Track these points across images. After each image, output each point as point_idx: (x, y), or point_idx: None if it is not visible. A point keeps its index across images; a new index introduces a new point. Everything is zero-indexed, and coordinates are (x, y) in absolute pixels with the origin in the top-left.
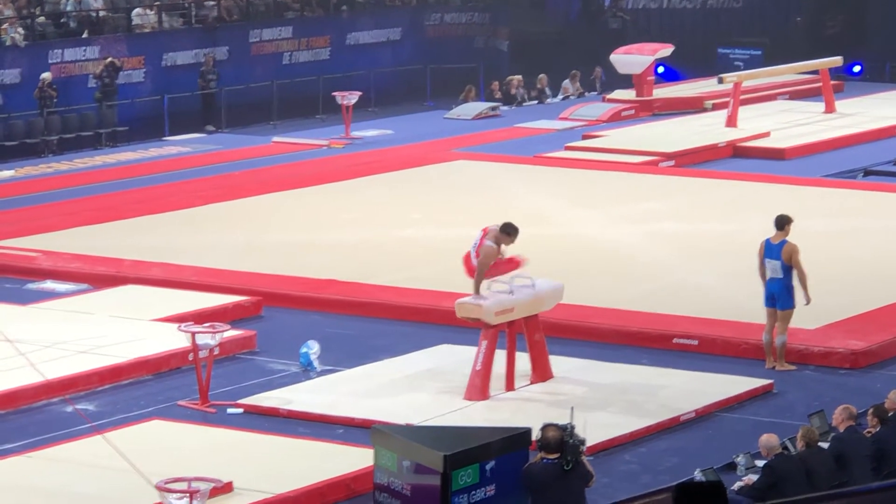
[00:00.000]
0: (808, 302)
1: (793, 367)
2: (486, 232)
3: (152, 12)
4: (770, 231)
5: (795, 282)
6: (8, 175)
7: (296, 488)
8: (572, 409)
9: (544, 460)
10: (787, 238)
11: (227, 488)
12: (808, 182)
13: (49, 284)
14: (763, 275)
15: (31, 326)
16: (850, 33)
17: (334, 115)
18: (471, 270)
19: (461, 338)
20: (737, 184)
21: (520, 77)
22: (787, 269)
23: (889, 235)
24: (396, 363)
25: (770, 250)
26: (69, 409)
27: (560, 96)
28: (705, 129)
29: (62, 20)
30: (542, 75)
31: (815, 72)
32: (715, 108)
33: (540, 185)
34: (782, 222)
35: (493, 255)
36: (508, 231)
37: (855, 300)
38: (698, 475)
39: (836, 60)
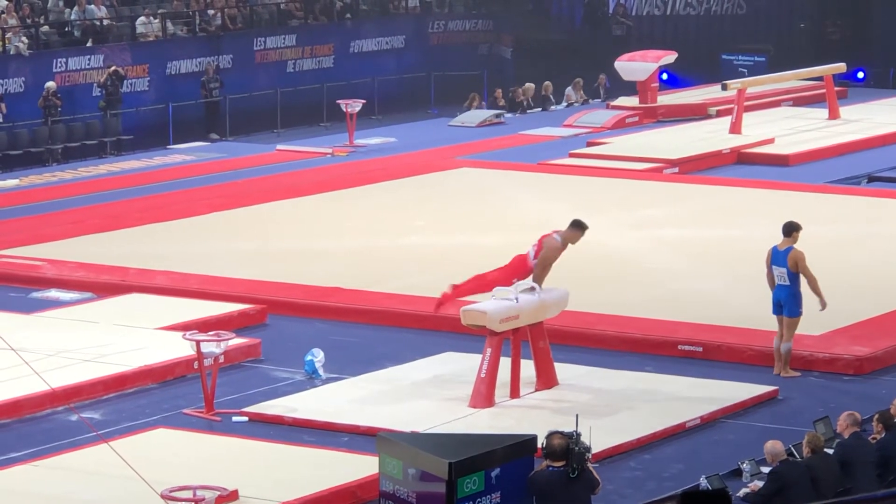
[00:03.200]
0: (824, 307)
1: (797, 374)
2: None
3: (156, 21)
4: (775, 236)
5: (803, 289)
6: (12, 184)
7: (301, 496)
8: (577, 416)
9: (550, 468)
10: (795, 245)
11: (232, 496)
12: (812, 188)
13: (53, 293)
14: (771, 282)
15: (35, 335)
16: (854, 40)
17: (338, 122)
18: (517, 269)
19: (466, 345)
20: (741, 190)
21: (532, 85)
22: (794, 276)
23: (893, 242)
24: (401, 371)
25: (776, 257)
26: (74, 417)
27: (564, 103)
28: (709, 136)
29: (66, 29)
30: (546, 83)
31: (819, 78)
32: (719, 114)
33: (544, 193)
34: (790, 229)
35: (557, 249)
36: (580, 226)
37: (859, 306)
38: (704, 482)
39: (840, 67)
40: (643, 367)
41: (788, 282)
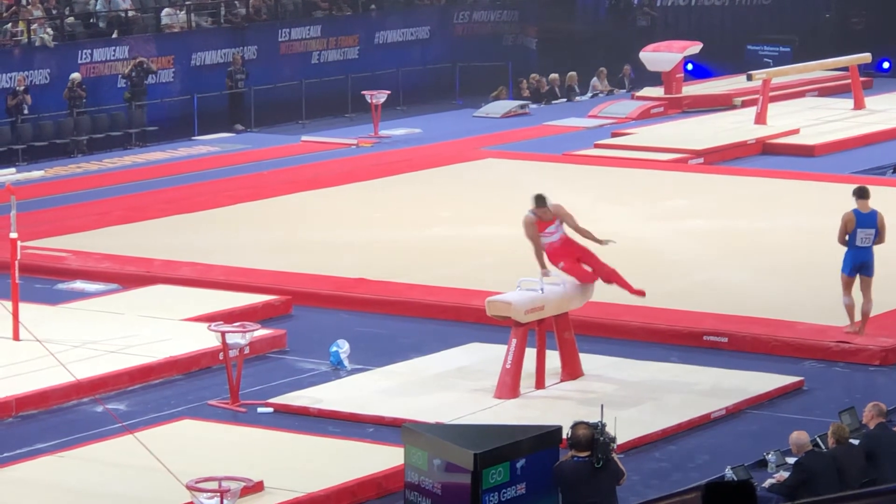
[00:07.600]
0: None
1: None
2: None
3: (181, 12)
4: (800, 227)
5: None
6: (38, 175)
7: (326, 487)
8: (602, 406)
9: (575, 458)
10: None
11: (257, 487)
12: (837, 179)
13: (79, 284)
14: (845, 242)
15: (61, 326)
16: (879, 30)
17: (363, 113)
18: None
19: (491, 336)
20: (766, 181)
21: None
22: (876, 236)
23: None
24: (426, 362)
25: (865, 219)
26: (100, 408)
27: (589, 94)
28: (734, 127)
29: (91, 20)
30: (571, 73)
31: (844, 68)
32: (744, 105)
33: (569, 183)
34: (866, 192)
35: (529, 224)
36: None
37: (885, 297)
38: (729, 473)
39: (866, 57)
40: (668, 358)
41: (872, 243)
